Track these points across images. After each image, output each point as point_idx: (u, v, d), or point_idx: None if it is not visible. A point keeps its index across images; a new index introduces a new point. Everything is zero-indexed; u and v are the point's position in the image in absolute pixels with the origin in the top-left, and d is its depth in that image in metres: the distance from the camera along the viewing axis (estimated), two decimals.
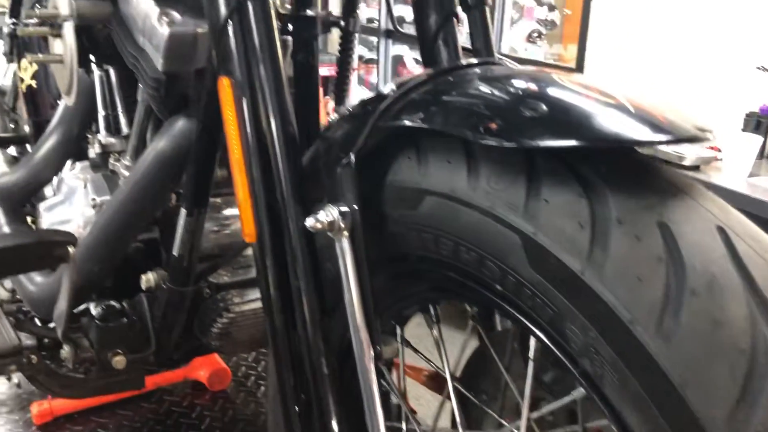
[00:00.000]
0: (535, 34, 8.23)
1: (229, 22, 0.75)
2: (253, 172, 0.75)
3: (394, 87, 0.68)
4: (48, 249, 0.96)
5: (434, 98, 0.64)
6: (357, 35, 1.12)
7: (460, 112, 0.60)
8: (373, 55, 5.85)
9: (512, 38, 7.77)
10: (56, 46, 1.18)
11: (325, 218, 0.68)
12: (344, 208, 0.68)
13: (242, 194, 0.76)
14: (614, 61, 3.23)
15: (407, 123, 0.63)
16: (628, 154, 0.57)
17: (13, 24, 1.51)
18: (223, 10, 0.75)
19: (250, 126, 0.75)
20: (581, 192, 0.53)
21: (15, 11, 1.61)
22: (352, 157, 0.68)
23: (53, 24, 1.14)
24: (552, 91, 0.58)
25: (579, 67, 3.57)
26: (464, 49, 0.95)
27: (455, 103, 0.62)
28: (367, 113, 0.69)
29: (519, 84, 0.60)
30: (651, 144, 0.52)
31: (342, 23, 1.09)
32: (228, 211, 1.23)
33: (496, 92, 0.60)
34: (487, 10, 0.90)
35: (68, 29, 1.11)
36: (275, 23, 0.76)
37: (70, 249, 0.99)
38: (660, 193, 0.53)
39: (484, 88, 0.61)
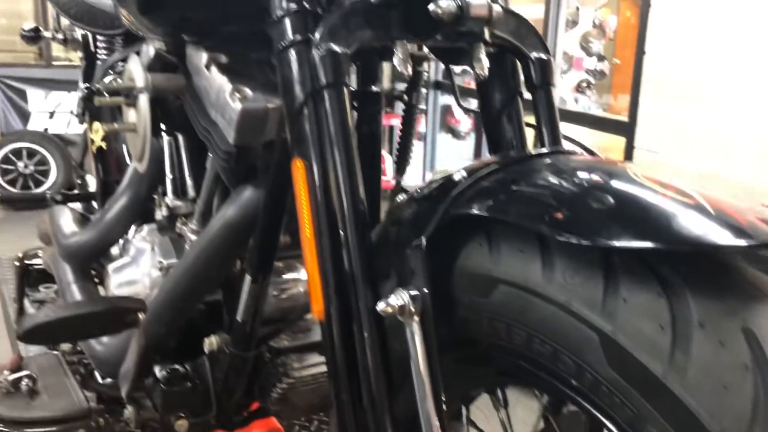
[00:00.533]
0: (584, 84, 8.20)
1: (305, 106, 0.78)
2: (324, 251, 0.77)
3: (464, 173, 0.69)
4: (119, 315, 0.99)
5: (506, 188, 0.65)
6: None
7: (534, 204, 0.61)
8: (422, 105, 5.90)
9: (561, 88, 7.76)
10: (130, 115, 1.23)
11: (395, 302, 0.68)
12: (414, 292, 0.69)
13: (312, 272, 0.78)
14: (668, 113, 3.20)
15: (481, 213, 0.64)
16: (709, 254, 0.57)
17: (86, 88, 1.58)
18: (299, 95, 0.78)
19: (322, 207, 0.77)
20: (660, 292, 0.53)
21: (88, 76, 1.69)
22: (424, 240, 0.68)
23: (128, 94, 1.19)
24: (627, 188, 0.58)
25: (632, 118, 3.52)
26: (527, 124, 0.95)
27: (528, 194, 0.62)
28: (438, 198, 0.70)
29: (593, 178, 0.61)
30: (732, 249, 0.51)
31: (406, 98, 1.11)
32: (290, 275, 1.25)
33: (570, 186, 0.60)
34: (553, 90, 0.91)
35: (143, 101, 1.15)
36: (349, 107, 0.78)
37: (140, 315, 1.01)
38: (743, 296, 0.53)
39: (557, 181, 0.62)
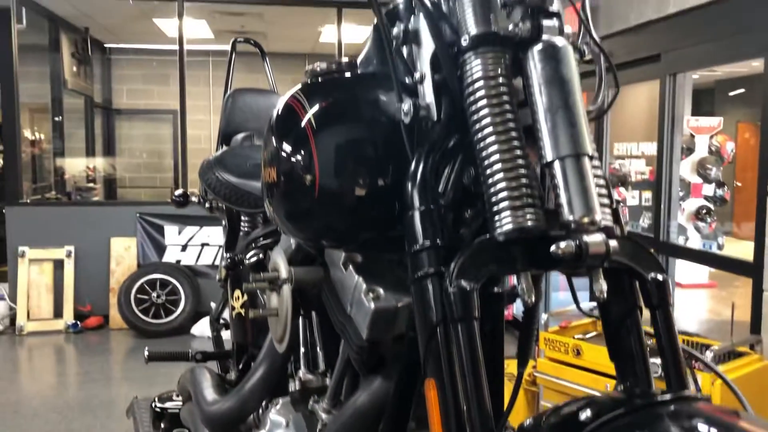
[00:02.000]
0: (704, 211, 7.93)
1: (437, 332, 0.86)
2: None
3: (590, 413, 0.73)
4: None
5: None
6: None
7: None
8: None
9: (680, 217, 7.56)
10: (273, 300, 1.36)
11: None
12: None
13: None
14: None
15: None
16: None
17: (229, 258, 1.75)
18: (432, 321, 0.86)
19: (452, 422, 0.83)
20: None
21: (230, 245, 1.87)
22: None
23: (273, 281, 1.32)
24: None
25: (758, 258, 3.36)
26: (647, 334, 0.98)
27: None
28: (570, 426, 0.74)
29: None
30: None
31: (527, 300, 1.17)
32: None
33: None
34: (671, 310, 0.94)
35: (286, 290, 1.28)
36: (478, 338, 0.85)
37: None
38: None
39: None
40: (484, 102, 0.88)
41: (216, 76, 9.20)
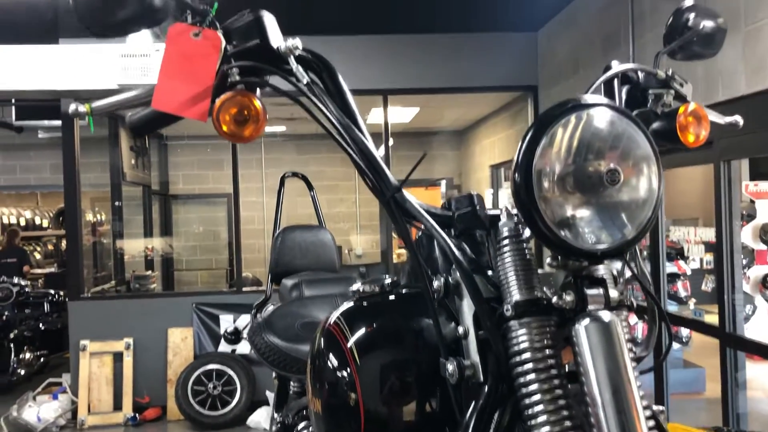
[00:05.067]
0: None
1: None
2: None
3: None
4: None
5: None
6: None
7: None
8: None
9: (745, 286, 7.27)
10: None
11: None
12: None
13: None
14: None
15: None
16: None
17: (279, 422, 1.74)
18: None
19: None
20: None
21: (280, 405, 1.87)
22: None
23: None
24: None
25: None
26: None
27: None
28: None
29: None
30: None
31: None
32: None
33: None
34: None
35: None
36: None
37: None
38: None
39: None
40: (532, 376, 0.86)
41: (267, 159, 9.42)
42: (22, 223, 11.03)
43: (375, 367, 0.98)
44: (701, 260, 8.55)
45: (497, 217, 0.94)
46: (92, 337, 5.78)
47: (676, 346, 6.21)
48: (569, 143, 0.81)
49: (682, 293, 6.35)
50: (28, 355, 6.91)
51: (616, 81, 1.13)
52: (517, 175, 0.82)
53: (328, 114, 0.95)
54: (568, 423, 0.83)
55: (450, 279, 0.95)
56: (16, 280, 7.14)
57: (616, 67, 1.13)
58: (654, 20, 4.28)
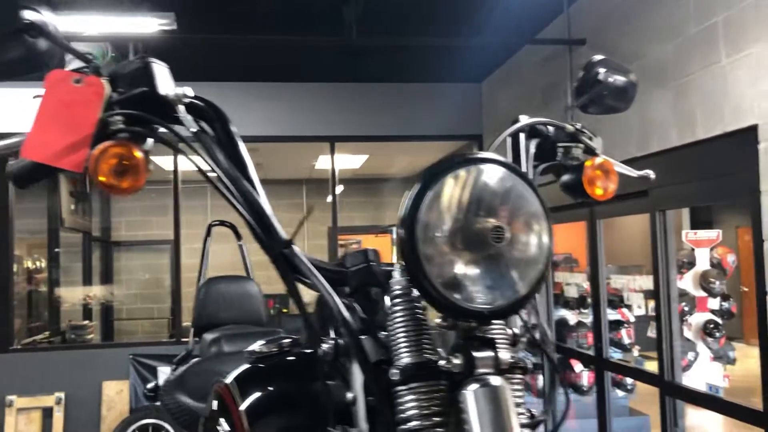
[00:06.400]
0: (711, 326, 7.75)
1: None
2: None
3: None
4: None
5: None
6: None
7: None
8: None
9: (686, 332, 7.36)
10: None
11: None
12: None
13: None
14: None
15: None
16: None
17: None
18: None
19: None
20: None
21: None
22: None
23: None
24: None
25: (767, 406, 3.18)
26: None
27: None
28: None
29: None
30: None
31: None
32: None
33: None
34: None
35: None
36: None
37: None
38: None
39: None
40: None
41: (214, 205, 9.28)
42: None
43: None
44: (646, 306, 8.67)
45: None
46: (20, 392, 5.50)
47: (620, 393, 6.22)
48: (456, 199, 0.78)
49: (626, 340, 6.39)
50: None
51: (523, 135, 1.11)
52: (401, 230, 0.78)
53: (214, 165, 0.90)
54: None
55: (340, 341, 0.90)
56: None
57: (524, 120, 1.12)
58: None
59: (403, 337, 0.85)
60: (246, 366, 1.02)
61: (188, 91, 0.90)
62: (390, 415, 0.83)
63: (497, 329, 0.86)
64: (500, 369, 0.81)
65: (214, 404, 0.99)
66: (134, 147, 0.85)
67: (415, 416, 0.81)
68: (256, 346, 1.01)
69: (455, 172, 0.79)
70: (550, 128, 1.17)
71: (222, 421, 0.96)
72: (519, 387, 0.87)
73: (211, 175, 0.90)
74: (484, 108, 6.36)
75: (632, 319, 6.93)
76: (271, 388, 0.99)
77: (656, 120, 3.73)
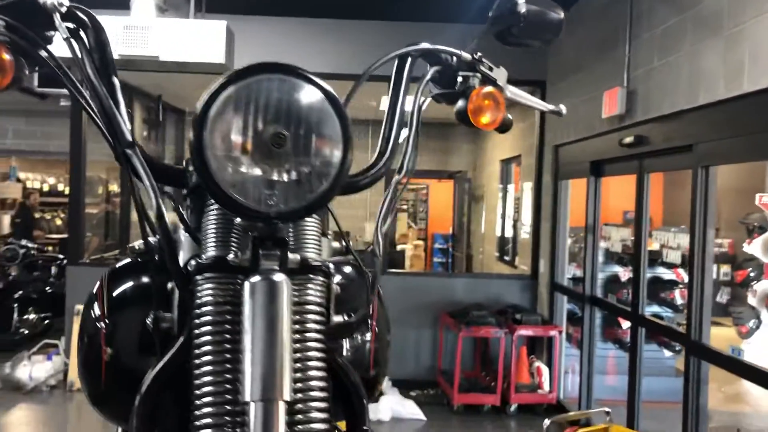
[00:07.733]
0: None
1: None
2: None
3: None
4: None
5: None
6: None
7: None
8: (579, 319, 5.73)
9: (751, 299, 7.06)
10: None
11: None
12: None
13: None
14: None
15: None
16: None
17: None
18: None
19: None
20: None
21: None
22: None
23: None
24: None
25: None
26: None
27: None
28: None
29: None
30: None
31: None
32: None
33: None
34: None
35: None
36: None
37: None
38: None
39: None
40: (207, 328, 0.88)
41: None
42: (46, 188, 11.33)
43: (120, 321, 1.04)
44: (718, 271, 8.33)
45: None
46: None
47: (668, 353, 6.09)
48: (245, 104, 0.81)
49: (679, 301, 6.21)
50: (31, 317, 7.10)
51: (416, 59, 1.13)
52: (191, 131, 0.83)
53: (77, 68, 0.97)
54: (228, 376, 0.85)
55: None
56: (23, 242, 7.34)
57: (421, 45, 1.13)
58: (651, 22, 4.19)
59: (212, 233, 0.92)
60: (125, 260, 1.12)
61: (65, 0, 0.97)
62: (189, 302, 0.90)
63: (305, 233, 0.92)
64: (287, 268, 0.86)
65: (94, 288, 1.10)
66: (3, 49, 0.92)
67: (210, 303, 0.89)
68: (137, 243, 1.10)
69: (256, 77, 0.82)
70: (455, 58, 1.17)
71: (95, 305, 1.07)
72: (318, 288, 0.91)
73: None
74: (550, 54, 6.18)
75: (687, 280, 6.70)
76: (124, 280, 1.10)
77: (705, 70, 3.54)
